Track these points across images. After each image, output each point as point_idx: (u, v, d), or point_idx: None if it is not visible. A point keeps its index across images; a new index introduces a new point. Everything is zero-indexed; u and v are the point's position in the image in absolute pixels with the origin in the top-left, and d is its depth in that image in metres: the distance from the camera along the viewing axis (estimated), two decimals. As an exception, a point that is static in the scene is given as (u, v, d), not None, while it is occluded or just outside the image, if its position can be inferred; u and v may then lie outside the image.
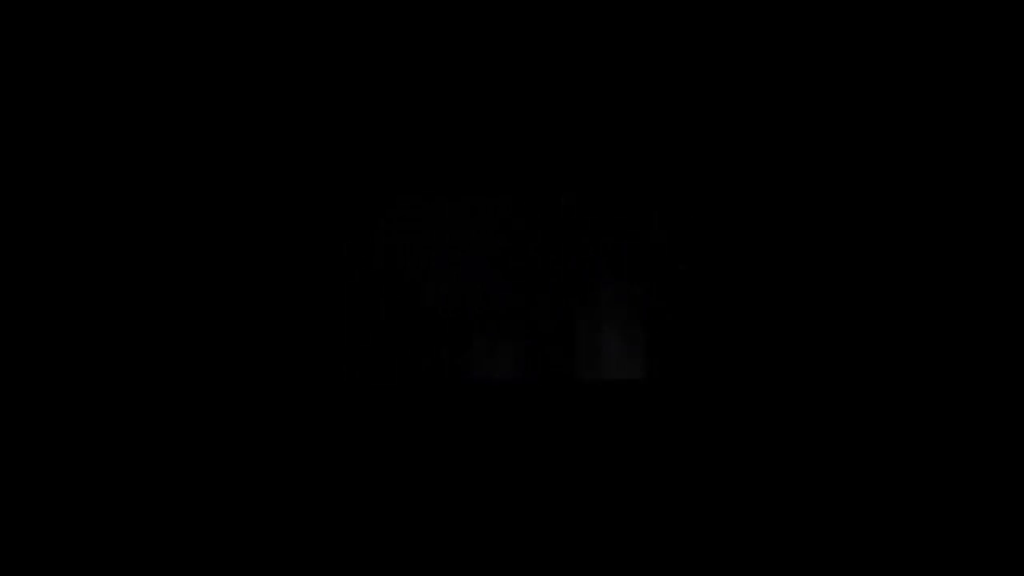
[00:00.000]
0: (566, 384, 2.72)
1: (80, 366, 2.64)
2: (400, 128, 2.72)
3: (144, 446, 2.66)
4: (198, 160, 2.68)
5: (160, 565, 2.63)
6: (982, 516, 2.57)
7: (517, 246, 2.78)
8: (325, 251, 2.74)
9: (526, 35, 2.65)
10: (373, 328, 2.78)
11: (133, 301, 2.66)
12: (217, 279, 2.68)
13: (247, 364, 2.70)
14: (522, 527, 2.64)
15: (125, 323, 2.66)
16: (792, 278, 2.63)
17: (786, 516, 2.61)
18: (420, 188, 2.74)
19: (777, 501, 2.61)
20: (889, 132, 2.63)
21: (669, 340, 2.65)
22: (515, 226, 2.80)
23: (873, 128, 2.63)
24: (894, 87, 2.61)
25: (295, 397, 2.72)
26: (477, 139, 2.71)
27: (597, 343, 2.74)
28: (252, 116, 2.69)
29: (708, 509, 2.61)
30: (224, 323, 2.69)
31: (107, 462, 2.65)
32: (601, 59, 2.66)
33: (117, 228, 2.66)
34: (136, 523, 2.64)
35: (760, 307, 2.64)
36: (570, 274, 2.75)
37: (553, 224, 2.76)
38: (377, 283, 2.79)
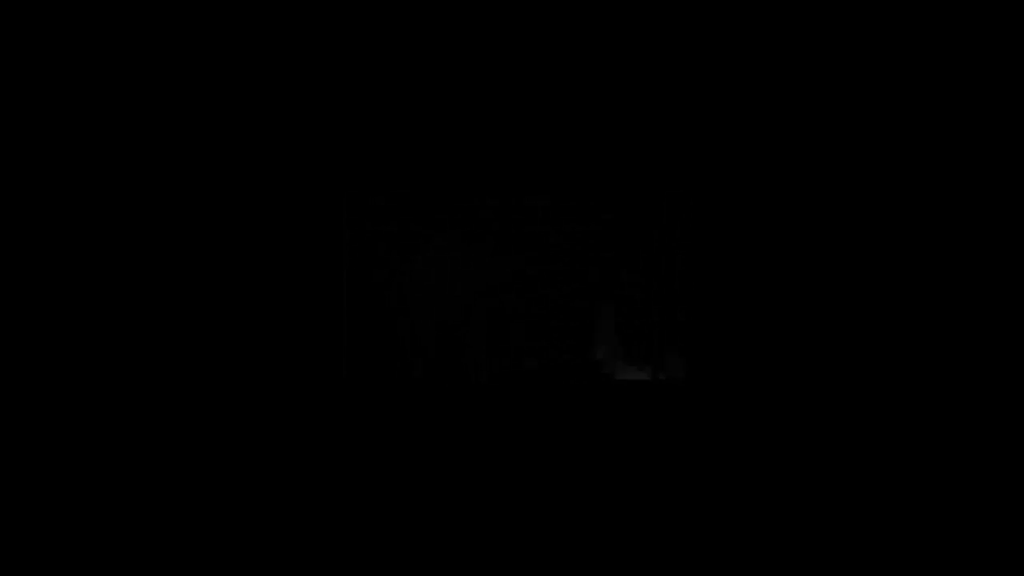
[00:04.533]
0: (601, 384, 2.73)
1: (74, 366, 2.62)
2: (407, 127, 2.71)
3: (137, 446, 2.64)
4: (195, 159, 2.66)
5: (158, 565, 2.59)
6: (999, 517, 2.57)
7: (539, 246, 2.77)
8: (325, 251, 2.73)
9: (537, 36, 2.64)
10: (375, 328, 2.77)
11: (126, 301, 2.64)
12: (215, 279, 2.67)
13: (244, 364, 2.69)
14: (553, 529, 2.65)
15: (118, 323, 2.64)
16: (832, 280, 2.63)
17: (820, 520, 2.61)
18: (432, 187, 2.73)
19: (813, 504, 2.62)
20: (923, 136, 2.63)
21: (709, 341, 2.65)
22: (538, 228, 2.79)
23: (912, 132, 2.63)
24: (912, 89, 2.61)
25: (294, 397, 2.71)
26: (493, 137, 2.70)
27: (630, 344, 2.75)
28: (252, 114, 2.68)
29: (749, 508, 2.61)
30: (222, 323, 2.67)
31: (102, 462, 2.63)
32: (619, 58, 2.64)
33: (109, 226, 2.64)
34: (133, 523, 2.61)
35: (802, 308, 2.64)
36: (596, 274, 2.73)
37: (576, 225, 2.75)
38: (378, 283, 2.78)
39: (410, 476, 2.69)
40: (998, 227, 2.60)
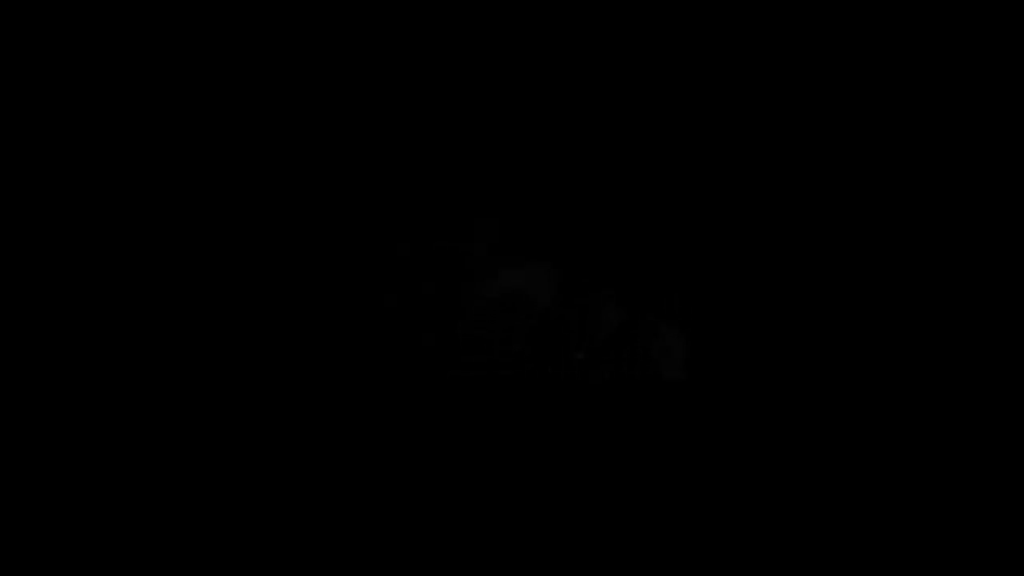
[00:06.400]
0: (600, 383, 2.73)
1: (83, 364, 2.66)
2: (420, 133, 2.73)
3: (142, 445, 2.66)
4: (201, 161, 2.70)
5: (161, 565, 2.61)
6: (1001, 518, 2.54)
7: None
8: (326, 250, 2.75)
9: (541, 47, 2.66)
10: (375, 324, 2.79)
11: (128, 300, 2.68)
12: (218, 277, 2.70)
13: (247, 362, 2.71)
14: (554, 527, 2.64)
15: (122, 322, 2.68)
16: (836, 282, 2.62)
17: (823, 521, 2.59)
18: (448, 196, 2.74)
19: (814, 506, 2.60)
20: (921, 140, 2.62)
21: (711, 341, 2.65)
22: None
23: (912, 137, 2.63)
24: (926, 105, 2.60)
25: (298, 393, 2.72)
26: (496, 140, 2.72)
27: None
28: (256, 116, 2.71)
29: (753, 508, 2.60)
30: (226, 321, 2.70)
31: (108, 461, 2.66)
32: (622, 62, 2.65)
33: (121, 220, 2.69)
34: (137, 523, 2.63)
35: (808, 308, 2.63)
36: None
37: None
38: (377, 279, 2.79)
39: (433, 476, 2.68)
40: (999, 222, 2.59)
